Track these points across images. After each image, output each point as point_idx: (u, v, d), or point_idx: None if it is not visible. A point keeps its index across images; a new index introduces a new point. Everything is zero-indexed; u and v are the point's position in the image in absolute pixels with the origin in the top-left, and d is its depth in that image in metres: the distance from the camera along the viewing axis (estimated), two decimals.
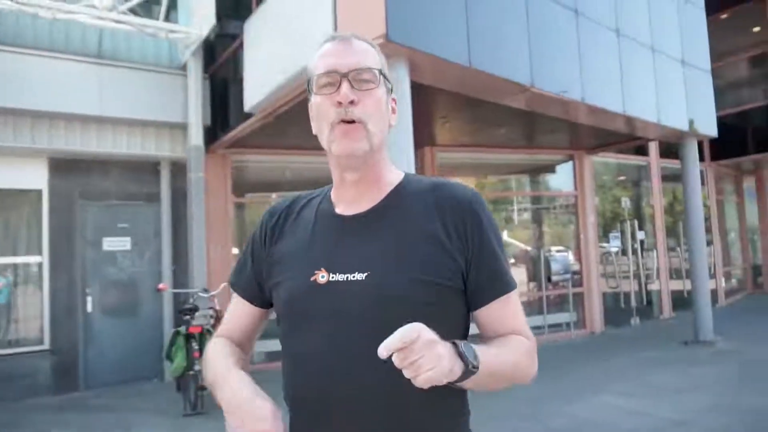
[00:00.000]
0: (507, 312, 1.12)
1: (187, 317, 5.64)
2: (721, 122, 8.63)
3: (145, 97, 6.79)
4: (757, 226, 14.57)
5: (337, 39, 1.11)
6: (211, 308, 6.30)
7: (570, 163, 9.72)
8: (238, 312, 1.25)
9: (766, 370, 6.21)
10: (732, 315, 10.35)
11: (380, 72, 1.11)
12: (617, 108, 6.32)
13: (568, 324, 9.06)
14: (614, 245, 10.12)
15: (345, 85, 1.05)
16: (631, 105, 6.55)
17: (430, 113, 6.91)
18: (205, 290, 6.39)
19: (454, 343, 0.93)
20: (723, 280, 12.31)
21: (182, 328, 5.58)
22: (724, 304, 11.78)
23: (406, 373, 0.86)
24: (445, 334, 0.92)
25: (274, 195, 8.72)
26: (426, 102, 6.35)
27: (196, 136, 6.84)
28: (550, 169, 10.25)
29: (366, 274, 1.04)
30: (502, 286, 1.11)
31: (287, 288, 1.12)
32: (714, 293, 10.27)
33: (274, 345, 1.20)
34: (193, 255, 6.82)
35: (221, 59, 7.13)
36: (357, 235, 1.10)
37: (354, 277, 1.05)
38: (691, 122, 7.73)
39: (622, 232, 10.20)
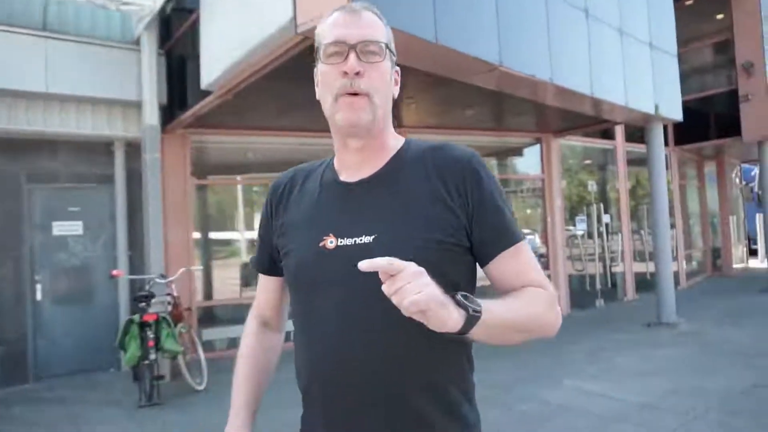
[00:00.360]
0: (519, 264, 1.11)
1: (143, 304, 5.39)
2: (685, 107, 8.69)
3: (96, 74, 6.40)
4: (717, 210, 14.91)
5: (347, 9, 1.11)
6: (168, 294, 6.05)
7: (537, 146, 9.70)
8: (263, 287, 1.33)
9: (727, 352, 6.31)
10: (693, 297, 10.56)
11: (386, 45, 1.12)
12: (585, 90, 6.25)
13: None
14: (580, 228, 10.19)
15: (352, 56, 1.06)
16: (598, 87, 6.48)
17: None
18: (162, 276, 6.14)
19: (452, 295, 0.93)
20: (684, 262, 12.56)
21: (136, 316, 5.32)
22: (685, 286, 12.03)
23: (394, 300, 0.87)
24: (450, 291, 0.93)
25: (238, 177, 8.45)
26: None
27: (151, 114, 6.51)
28: (518, 151, 10.20)
29: (373, 236, 1.06)
30: (508, 237, 1.11)
31: (296, 256, 1.13)
32: (676, 276, 10.44)
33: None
34: (149, 239, 6.52)
35: (178, 34, 6.78)
36: (362, 200, 1.12)
37: (361, 240, 1.06)
38: (657, 106, 7.74)
39: (588, 216, 10.27)
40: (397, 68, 1.19)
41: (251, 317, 1.38)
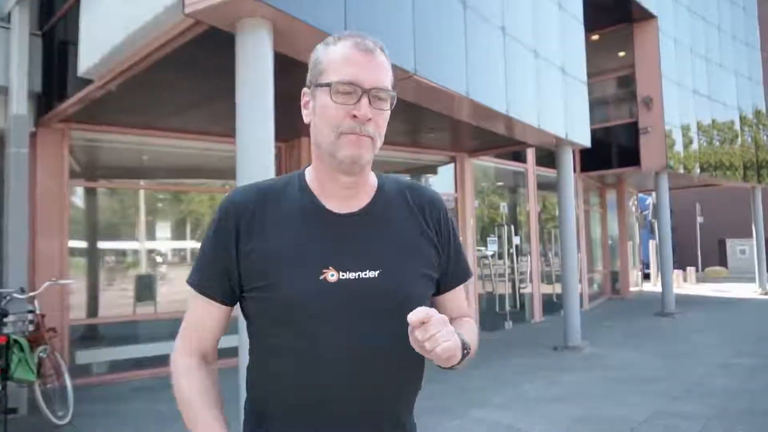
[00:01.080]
0: (463, 296, 1.32)
1: None
2: (590, 136, 8.91)
3: None
4: (616, 235, 15.64)
5: (360, 47, 1.10)
6: (30, 312, 5.19)
7: (452, 165, 9.61)
8: (208, 315, 1.17)
9: (628, 378, 6.34)
10: (595, 319, 10.83)
11: (393, 93, 1.14)
12: (500, 107, 6.13)
13: None
14: (491, 249, 10.17)
15: (365, 103, 1.08)
16: (513, 106, 6.40)
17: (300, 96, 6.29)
18: (22, 290, 5.25)
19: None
20: (587, 285, 12.96)
21: None
22: (588, 308, 12.39)
23: (427, 345, 0.97)
24: None
25: (141, 182, 7.61)
26: (298, 81, 5.73)
27: (19, 102, 5.63)
28: (432, 170, 10.07)
29: (378, 271, 1.11)
30: (466, 273, 1.29)
31: (290, 289, 1.09)
32: (580, 298, 10.67)
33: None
34: (8, 247, 5.59)
35: (60, 13, 5.96)
36: (357, 234, 1.14)
37: (366, 274, 1.10)
38: (567, 131, 7.83)
39: (499, 237, 10.28)
40: None
41: (184, 353, 1.17)
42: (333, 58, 1.10)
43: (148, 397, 5.77)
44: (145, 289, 7.30)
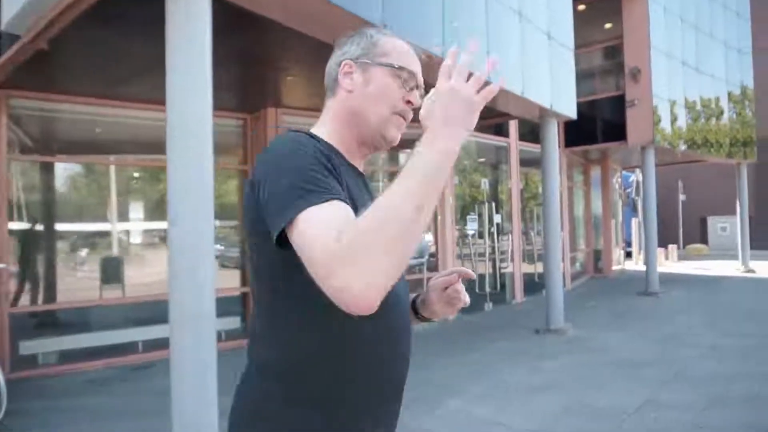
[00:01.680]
0: None
1: None
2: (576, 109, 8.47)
3: None
4: (599, 214, 15.35)
5: (414, 50, 1.19)
6: None
7: None
8: (348, 208, 0.94)
9: (615, 362, 6.00)
10: (578, 299, 10.52)
11: None
12: (482, 71, 5.61)
13: None
14: (471, 228, 9.76)
15: (418, 94, 1.17)
16: (495, 72, 5.89)
17: (268, 60, 5.72)
18: None
19: None
20: (570, 264, 12.66)
21: None
22: (570, 287, 12.09)
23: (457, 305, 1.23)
24: None
25: (96, 156, 6.99)
26: (260, 43, 5.16)
27: None
28: (410, 144, 9.54)
29: None
30: None
31: None
32: (562, 277, 10.34)
33: None
34: None
35: None
36: (371, 196, 1.16)
37: None
38: (552, 101, 7.36)
39: (480, 215, 9.87)
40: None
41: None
42: (397, 46, 1.17)
43: (100, 390, 5.28)
44: (108, 272, 6.77)
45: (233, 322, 7.67)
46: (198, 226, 2.90)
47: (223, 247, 7.79)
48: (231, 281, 7.64)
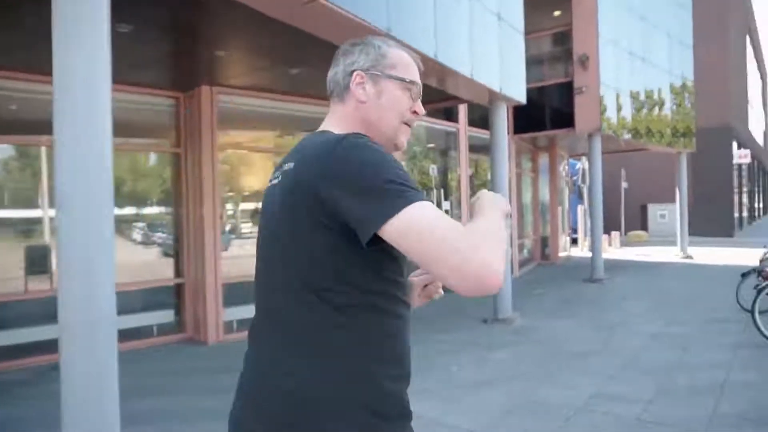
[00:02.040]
0: None
1: None
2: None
3: None
4: (547, 201, 15.44)
5: (416, 62, 1.31)
6: None
7: None
8: None
9: (562, 352, 5.88)
10: (526, 286, 10.48)
11: None
12: (429, 50, 5.29)
13: None
14: None
15: (421, 104, 1.30)
16: (444, 52, 5.59)
17: (197, 34, 5.21)
18: None
19: None
20: (518, 251, 12.64)
21: None
22: (518, 275, 12.08)
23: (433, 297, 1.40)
24: None
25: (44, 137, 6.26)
26: (186, 12, 4.65)
27: None
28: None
29: None
30: None
31: None
32: (510, 265, 10.27)
33: None
34: None
35: None
36: None
37: None
38: (502, 84, 7.14)
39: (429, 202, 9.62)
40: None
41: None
42: (402, 58, 1.28)
43: (4, 396, 4.72)
44: (34, 260, 6.12)
45: (167, 316, 7.17)
46: (92, 212, 2.46)
47: (165, 235, 7.25)
48: (166, 271, 7.12)
